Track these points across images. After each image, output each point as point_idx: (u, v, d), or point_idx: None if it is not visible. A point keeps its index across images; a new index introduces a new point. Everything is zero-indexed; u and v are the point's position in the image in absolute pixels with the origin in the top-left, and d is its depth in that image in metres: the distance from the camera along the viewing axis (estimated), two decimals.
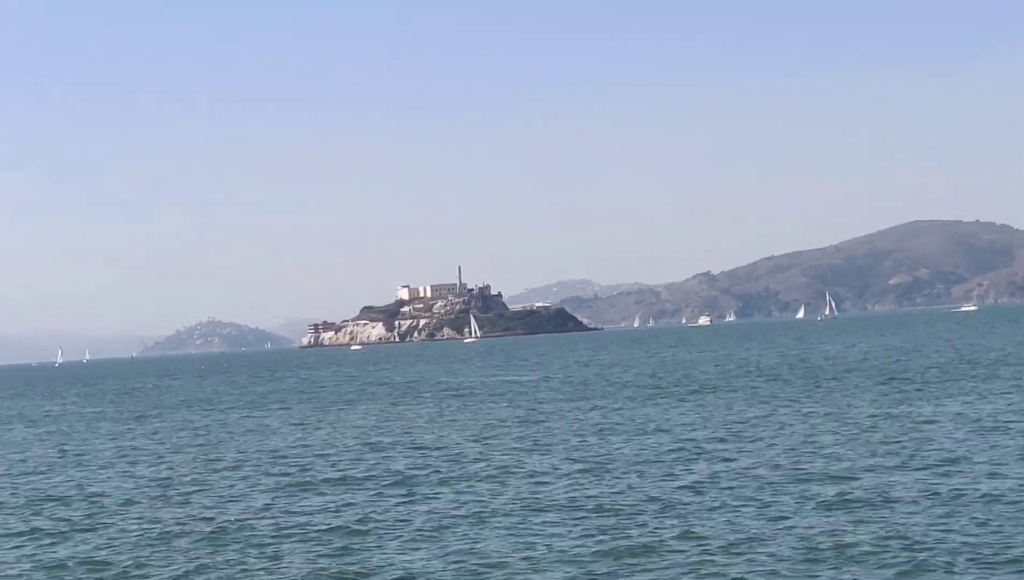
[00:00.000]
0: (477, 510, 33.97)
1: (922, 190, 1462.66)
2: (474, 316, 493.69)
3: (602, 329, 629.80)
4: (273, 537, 31.65)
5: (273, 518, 34.65)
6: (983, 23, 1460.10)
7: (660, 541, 28.37)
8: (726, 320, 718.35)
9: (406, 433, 59.28)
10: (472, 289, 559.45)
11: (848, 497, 32.57)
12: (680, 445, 46.79)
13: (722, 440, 47.86)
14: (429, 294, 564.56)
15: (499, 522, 31.89)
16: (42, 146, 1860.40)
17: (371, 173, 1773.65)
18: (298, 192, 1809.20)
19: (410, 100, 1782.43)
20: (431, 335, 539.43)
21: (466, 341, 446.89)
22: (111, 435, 70.63)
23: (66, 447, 63.40)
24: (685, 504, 32.99)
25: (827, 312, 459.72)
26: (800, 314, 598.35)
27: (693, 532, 29.18)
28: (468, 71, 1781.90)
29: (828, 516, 30.34)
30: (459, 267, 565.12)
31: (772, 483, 35.89)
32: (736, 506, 32.36)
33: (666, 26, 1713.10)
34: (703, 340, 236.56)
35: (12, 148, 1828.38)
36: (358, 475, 43.11)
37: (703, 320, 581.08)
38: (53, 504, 40.33)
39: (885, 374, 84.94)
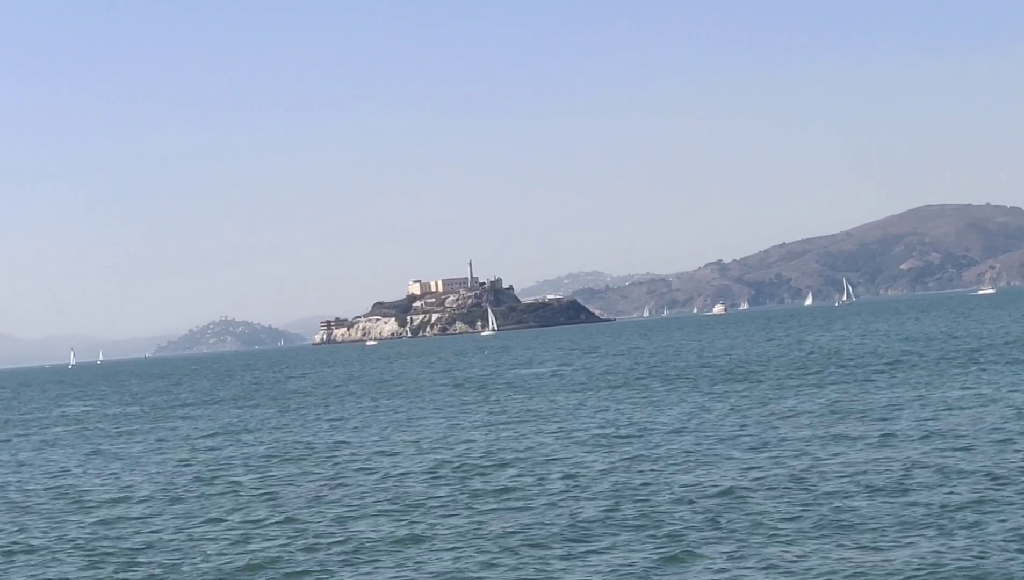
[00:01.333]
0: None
1: (933, 174, 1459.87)
2: (487, 310, 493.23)
3: (614, 320, 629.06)
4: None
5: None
6: (993, 8, 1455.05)
7: None
8: (740, 308, 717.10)
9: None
10: (484, 282, 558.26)
11: None
12: None
13: None
14: (441, 288, 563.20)
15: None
16: (50, 151, 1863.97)
17: (380, 168, 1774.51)
18: (307, 189, 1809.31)
19: (418, 96, 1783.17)
20: (443, 329, 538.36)
21: (483, 334, 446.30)
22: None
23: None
24: None
25: (844, 298, 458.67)
26: (808, 301, 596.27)
27: None
28: (476, 67, 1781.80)
29: None
30: (470, 261, 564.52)
31: None
32: None
33: (673, 18, 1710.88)
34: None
35: (22, 154, 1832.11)
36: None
37: (718, 309, 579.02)
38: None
39: None
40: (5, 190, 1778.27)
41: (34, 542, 33.82)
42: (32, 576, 29.54)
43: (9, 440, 75.33)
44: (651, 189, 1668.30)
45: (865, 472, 34.86)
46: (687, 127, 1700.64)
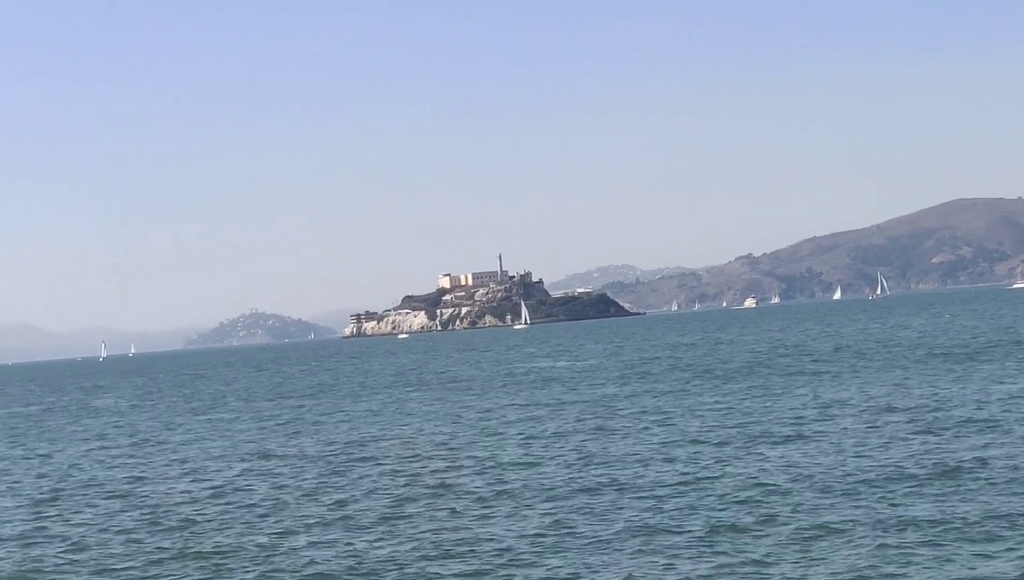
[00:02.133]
0: None
1: (964, 168, 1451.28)
2: (517, 303, 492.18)
3: (644, 313, 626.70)
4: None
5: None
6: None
7: None
8: (771, 302, 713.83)
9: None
10: (513, 276, 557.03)
11: None
12: None
13: None
14: (470, 282, 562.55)
15: None
16: (80, 145, 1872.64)
17: (411, 164, 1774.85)
18: (337, 184, 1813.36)
19: (450, 89, 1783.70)
20: (473, 323, 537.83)
21: (516, 327, 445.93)
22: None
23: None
24: None
25: (878, 291, 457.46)
26: (837, 295, 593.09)
27: None
28: (507, 60, 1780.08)
29: None
30: (500, 254, 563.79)
31: None
32: None
33: (707, 6, 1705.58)
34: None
35: (52, 148, 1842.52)
36: None
37: (749, 302, 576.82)
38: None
39: None
40: (34, 185, 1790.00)
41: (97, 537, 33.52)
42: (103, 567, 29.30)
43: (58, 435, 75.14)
44: (681, 183, 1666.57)
45: (917, 469, 34.19)
46: (717, 122, 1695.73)
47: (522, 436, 49.42)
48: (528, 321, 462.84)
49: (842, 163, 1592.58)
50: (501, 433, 51.37)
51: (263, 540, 30.43)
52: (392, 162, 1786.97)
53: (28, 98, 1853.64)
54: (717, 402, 58.53)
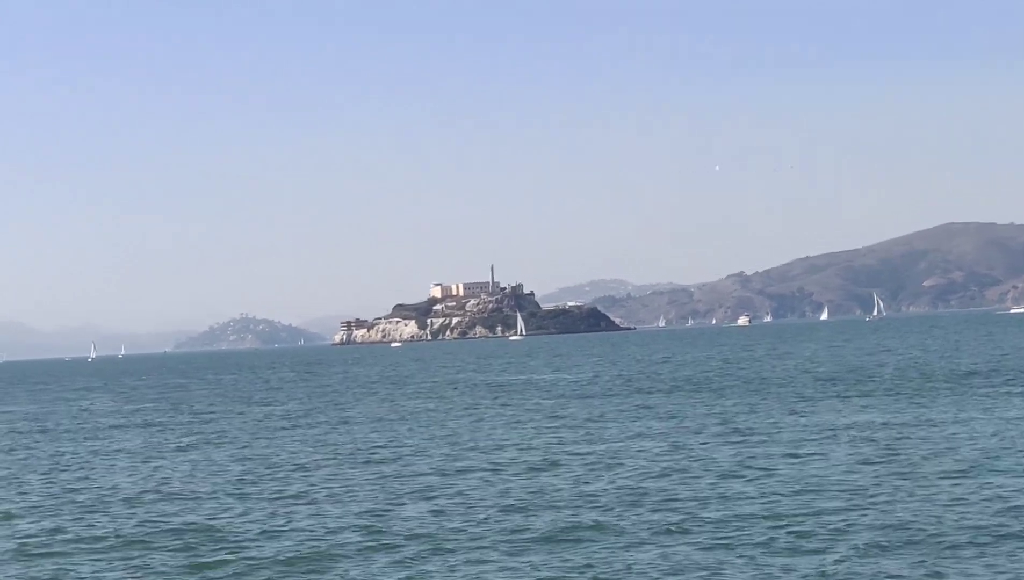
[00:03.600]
0: None
1: (957, 192, 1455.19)
2: (508, 315, 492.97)
3: (634, 329, 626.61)
4: None
5: None
6: (1019, 23, 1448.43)
7: None
8: (764, 321, 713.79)
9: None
10: (505, 288, 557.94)
11: None
12: None
13: None
14: (462, 292, 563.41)
15: None
16: (70, 143, 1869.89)
17: (403, 170, 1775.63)
18: (330, 189, 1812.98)
19: (443, 97, 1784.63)
20: (463, 333, 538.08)
21: (511, 339, 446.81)
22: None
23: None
24: None
25: (875, 313, 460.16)
26: (824, 316, 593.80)
27: None
28: (501, 69, 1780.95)
29: None
30: (492, 265, 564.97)
31: None
32: None
33: (701, 23, 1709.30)
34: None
35: (41, 145, 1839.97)
36: None
37: (742, 320, 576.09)
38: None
39: None
40: (26, 181, 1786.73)
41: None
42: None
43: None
44: (674, 198, 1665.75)
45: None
46: (712, 136, 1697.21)
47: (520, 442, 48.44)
48: (523, 333, 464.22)
49: (836, 183, 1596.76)
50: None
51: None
52: (386, 171, 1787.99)
53: (24, 95, 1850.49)
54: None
